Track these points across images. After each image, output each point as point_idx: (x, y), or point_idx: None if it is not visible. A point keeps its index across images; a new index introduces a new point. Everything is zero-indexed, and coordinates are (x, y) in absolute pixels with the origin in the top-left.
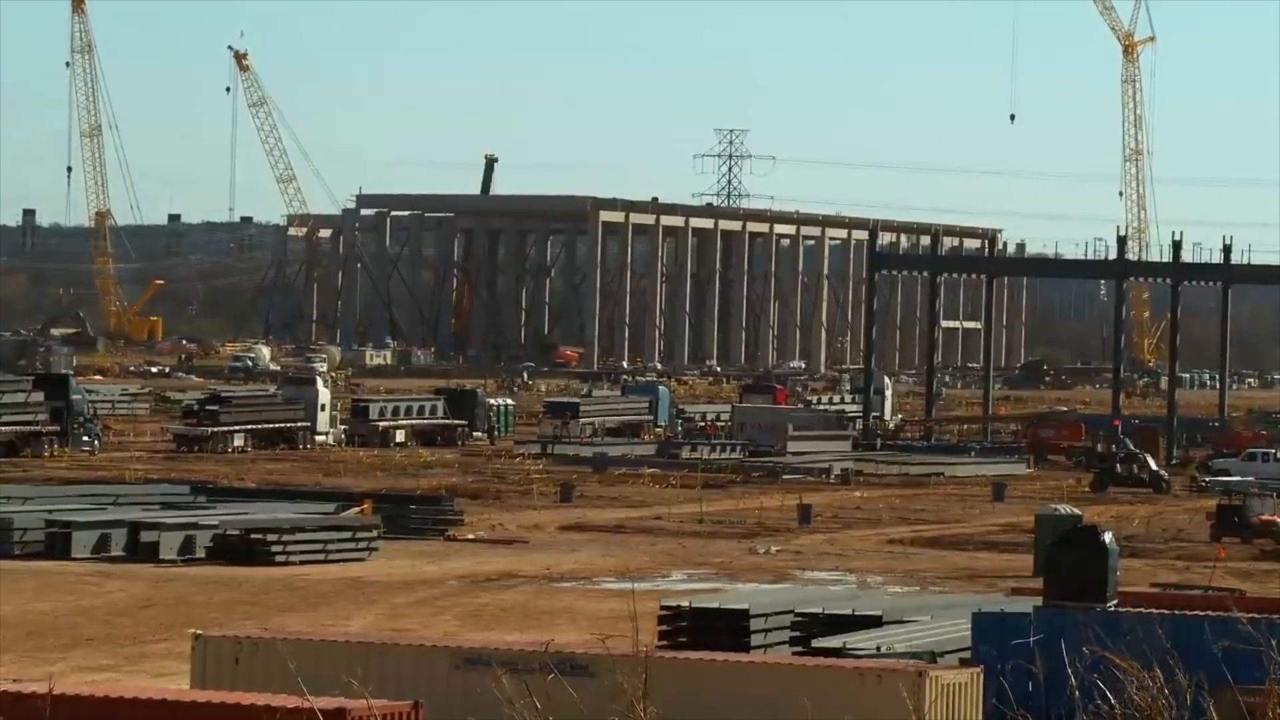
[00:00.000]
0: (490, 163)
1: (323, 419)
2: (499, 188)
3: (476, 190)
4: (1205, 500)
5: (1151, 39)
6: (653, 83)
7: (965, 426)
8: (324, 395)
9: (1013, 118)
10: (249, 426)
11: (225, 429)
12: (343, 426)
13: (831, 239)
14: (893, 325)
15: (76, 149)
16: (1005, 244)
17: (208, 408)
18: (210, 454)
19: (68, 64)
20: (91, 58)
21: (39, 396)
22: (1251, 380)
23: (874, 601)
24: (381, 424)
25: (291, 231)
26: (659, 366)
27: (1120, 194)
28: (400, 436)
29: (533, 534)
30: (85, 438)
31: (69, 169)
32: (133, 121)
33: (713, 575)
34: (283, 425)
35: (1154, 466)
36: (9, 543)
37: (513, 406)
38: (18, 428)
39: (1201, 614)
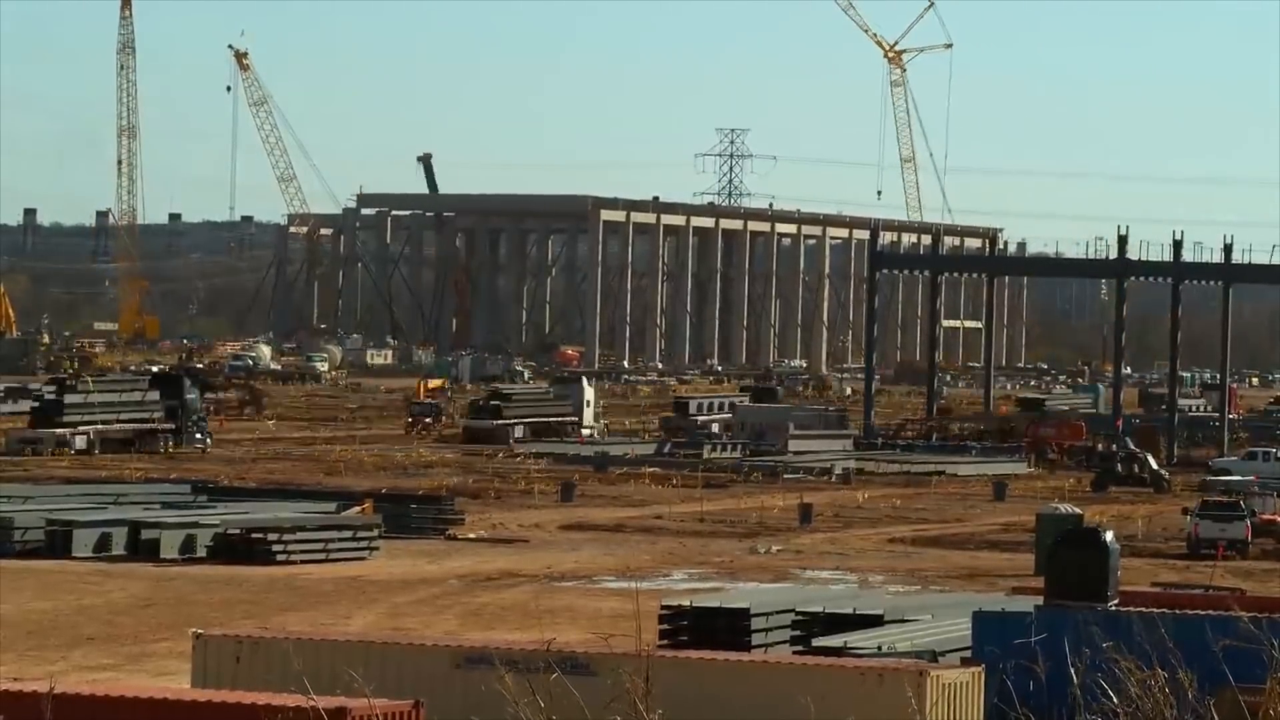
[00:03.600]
0: (427, 161)
1: (588, 414)
2: (500, 186)
3: (478, 190)
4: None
5: (948, 45)
6: (653, 83)
7: (966, 426)
8: (589, 393)
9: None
10: (527, 420)
11: (509, 423)
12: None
13: (832, 238)
14: (894, 325)
15: (107, 147)
16: (1006, 244)
17: (492, 403)
18: (495, 445)
19: (122, 67)
20: (132, 59)
21: (155, 395)
22: (1253, 379)
23: (875, 601)
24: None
25: (292, 230)
26: (659, 365)
27: (879, 193)
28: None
29: (533, 533)
30: (198, 435)
31: (119, 161)
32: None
33: (713, 574)
34: (553, 420)
35: (1154, 466)
36: (10, 541)
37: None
38: (136, 424)
39: (1202, 613)
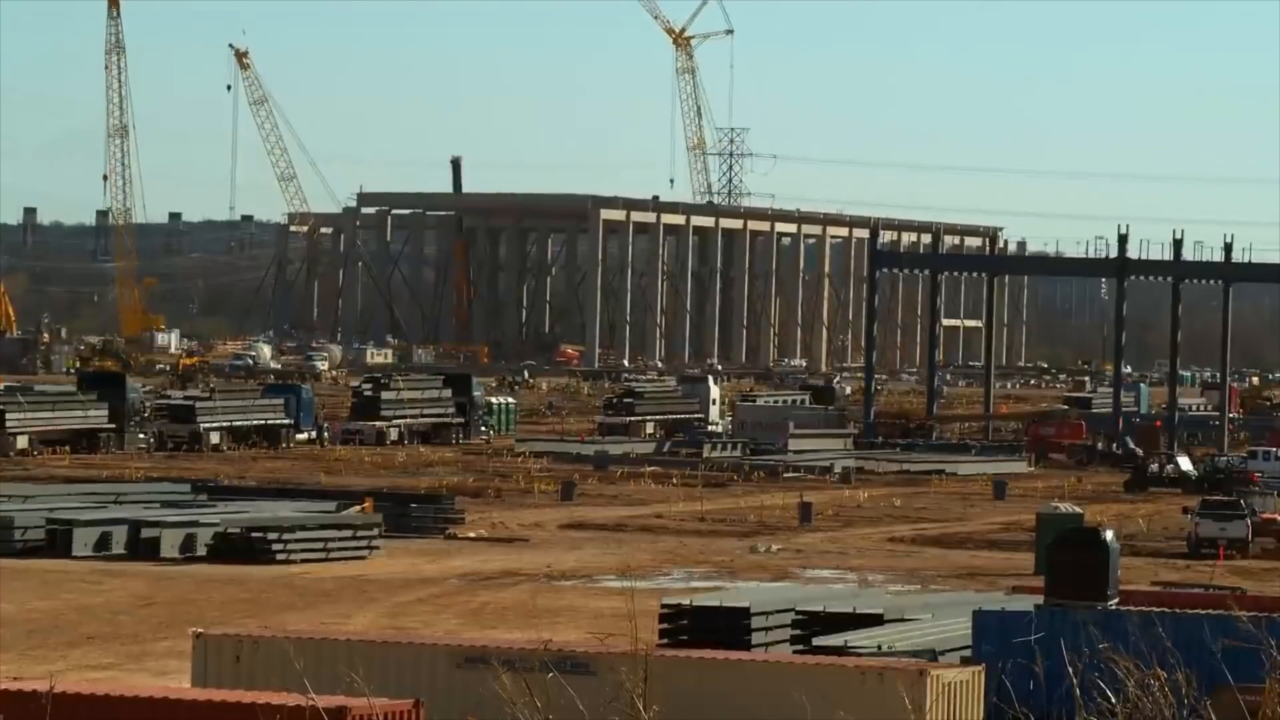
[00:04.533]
0: (456, 163)
1: (714, 412)
2: (501, 186)
3: (478, 189)
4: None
5: (729, 31)
6: (653, 82)
7: (966, 425)
8: (714, 391)
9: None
10: (657, 417)
11: (639, 419)
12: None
13: (833, 237)
14: (894, 324)
15: (102, 147)
16: (1006, 242)
17: (625, 400)
18: (627, 438)
19: (106, 67)
20: (121, 58)
21: (449, 392)
22: (1253, 378)
23: (875, 600)
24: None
25: (292, 230)
26: (659, 365)
27: (672, 183)
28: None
29: (533, 532)
30: (483, 428)
31: (104, 178)
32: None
33: (714, 574)
34: (680, 416)
35: (1185, 467)
36: (10, 541)
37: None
38: (435, 419)
39: (1201, 613)
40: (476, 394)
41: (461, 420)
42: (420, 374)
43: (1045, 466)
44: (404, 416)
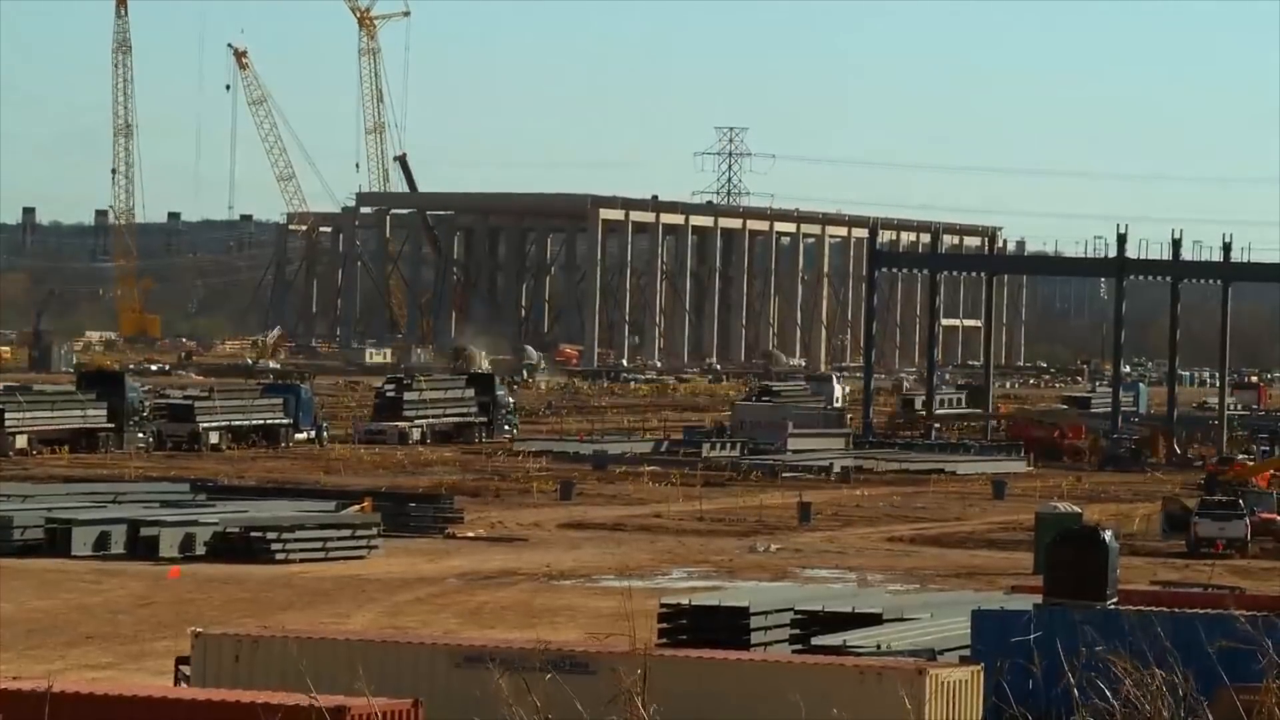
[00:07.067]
0: (404, 161)
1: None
2: (500, 185)
3: (476, 189)
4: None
5: (406, 14)
6: (652, 82)
7: (965, 424)
8: (839, 389)
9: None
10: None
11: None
12: None
13: (831, 237)
14: (893, 323)
15: (106, 147)
16: (1005, 242)
17: (763, 398)
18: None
19: (114, 65)
20: (128, 57)
21: (471, 392)
22: (1252, 377)
23: (874, 599)
24: None
25: (291, 229)
26: (658, 364)
27: (357, 167)
28: None
29: (532, 532)
30: (506, 427)
31: (113, 171)
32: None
33: (713, 573)
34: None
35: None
36: (9, 540)
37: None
38: (458, 419)
39: (1199, 612)
40: (500, 393)
41: (485, 420)
42: (442, 374)
43: (1040, 466)
44: (426, 416)
